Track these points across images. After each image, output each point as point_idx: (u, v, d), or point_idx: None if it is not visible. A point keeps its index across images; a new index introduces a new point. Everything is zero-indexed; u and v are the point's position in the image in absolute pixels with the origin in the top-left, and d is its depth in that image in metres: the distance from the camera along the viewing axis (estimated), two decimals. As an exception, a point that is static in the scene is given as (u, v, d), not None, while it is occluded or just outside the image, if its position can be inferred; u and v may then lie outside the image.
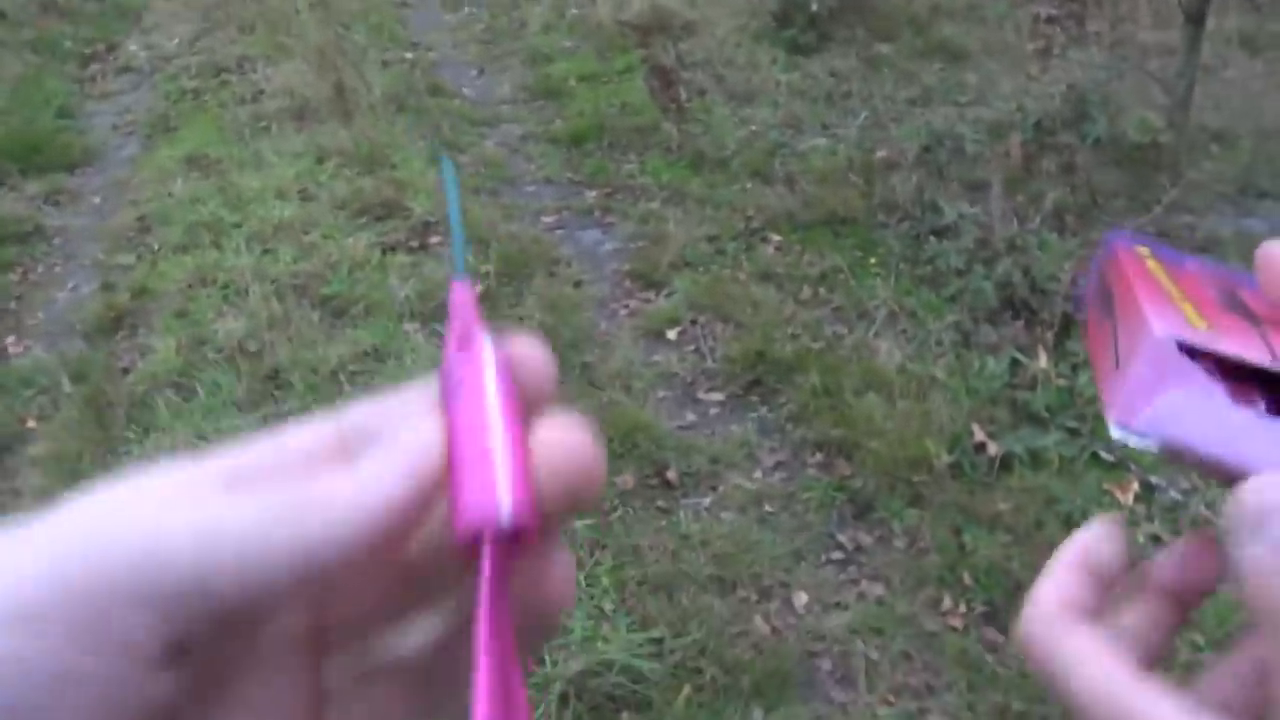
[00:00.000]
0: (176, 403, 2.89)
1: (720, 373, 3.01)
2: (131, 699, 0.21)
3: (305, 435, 0.27)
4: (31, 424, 2.98)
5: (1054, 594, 0.31)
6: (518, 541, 0.25)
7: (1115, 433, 0.32)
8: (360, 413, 0.27)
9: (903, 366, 2.89)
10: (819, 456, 2.68)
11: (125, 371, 3.15)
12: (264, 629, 0.26)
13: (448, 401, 0.28)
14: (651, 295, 3.48)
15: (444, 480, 0.25)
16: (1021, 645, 0.31)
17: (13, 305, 3.74)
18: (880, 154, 4.22)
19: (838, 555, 2.38)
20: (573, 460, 0.25)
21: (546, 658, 1.97)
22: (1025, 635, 0.31)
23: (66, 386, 3.08)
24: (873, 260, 3.51)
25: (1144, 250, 0.41)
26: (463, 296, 0.30)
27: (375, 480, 0.24)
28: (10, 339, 3.51)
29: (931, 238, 3.50)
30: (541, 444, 0.25)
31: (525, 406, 0.27)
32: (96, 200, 4.62)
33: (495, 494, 0.24)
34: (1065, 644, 0.29)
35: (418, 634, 0.28)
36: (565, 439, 0.25)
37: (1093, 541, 0.32)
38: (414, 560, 0.27)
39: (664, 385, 2.98)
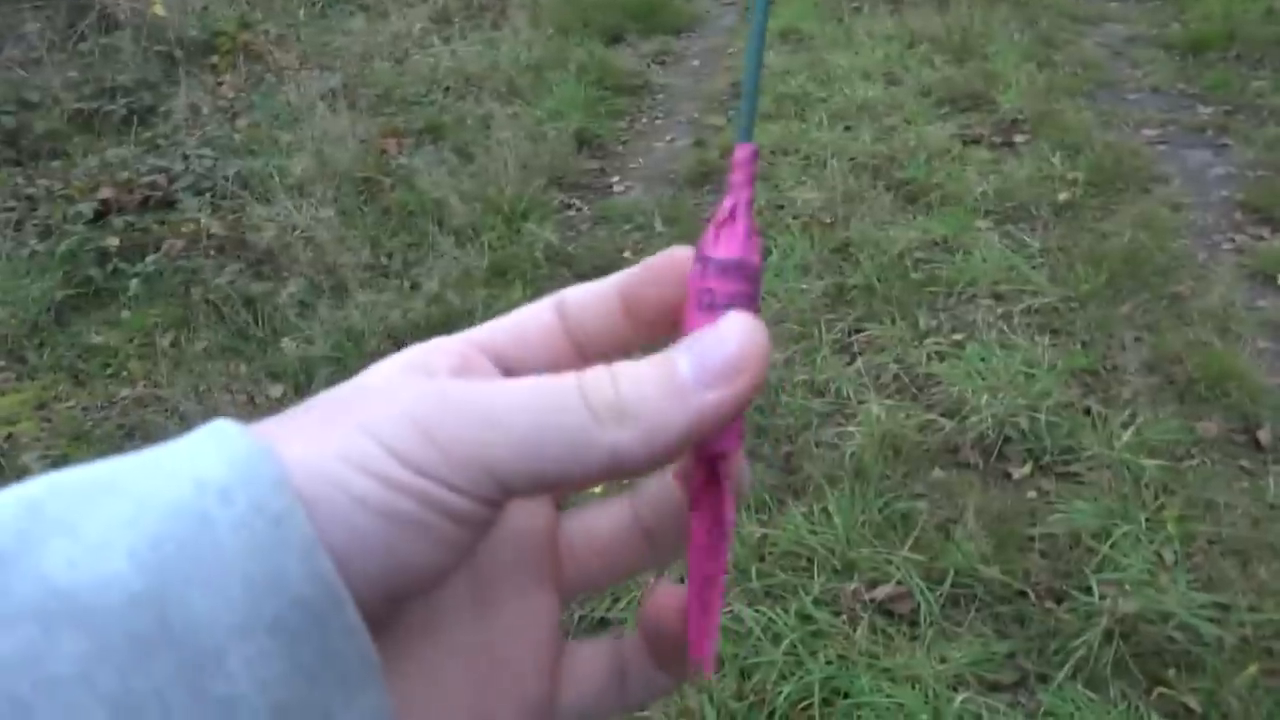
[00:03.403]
0: (752, 258, 3.08)
1: None
2: (480, 525, 0.25)
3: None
4: (628, 254, 3.35)
5: None
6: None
7: None
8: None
9: None
10: None
11: (710, 221, 3.41)
12: None
13: (697, 288, 0.28)
14: (1266, 233, 3.04)
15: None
16: None
17: (620, 149, 4.20)
18: None
19: None
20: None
21: (1094, 588, 1.87)
22: None
23: (659, 226, 3.42)
24: None
25: None
26: (743, 161, 0.29)
27: (697, 398, 0.25)
28: (615, 178, 3.95)
29: None
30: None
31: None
32: (696, 63, 4.99)
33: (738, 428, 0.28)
34: None
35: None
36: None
37: None
38: None
39: (1268, 335, 2.61)
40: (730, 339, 0.26)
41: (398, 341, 2.69)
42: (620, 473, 0.25)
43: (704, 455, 0.28)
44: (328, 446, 0.23)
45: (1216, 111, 3.78)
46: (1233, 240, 3.01)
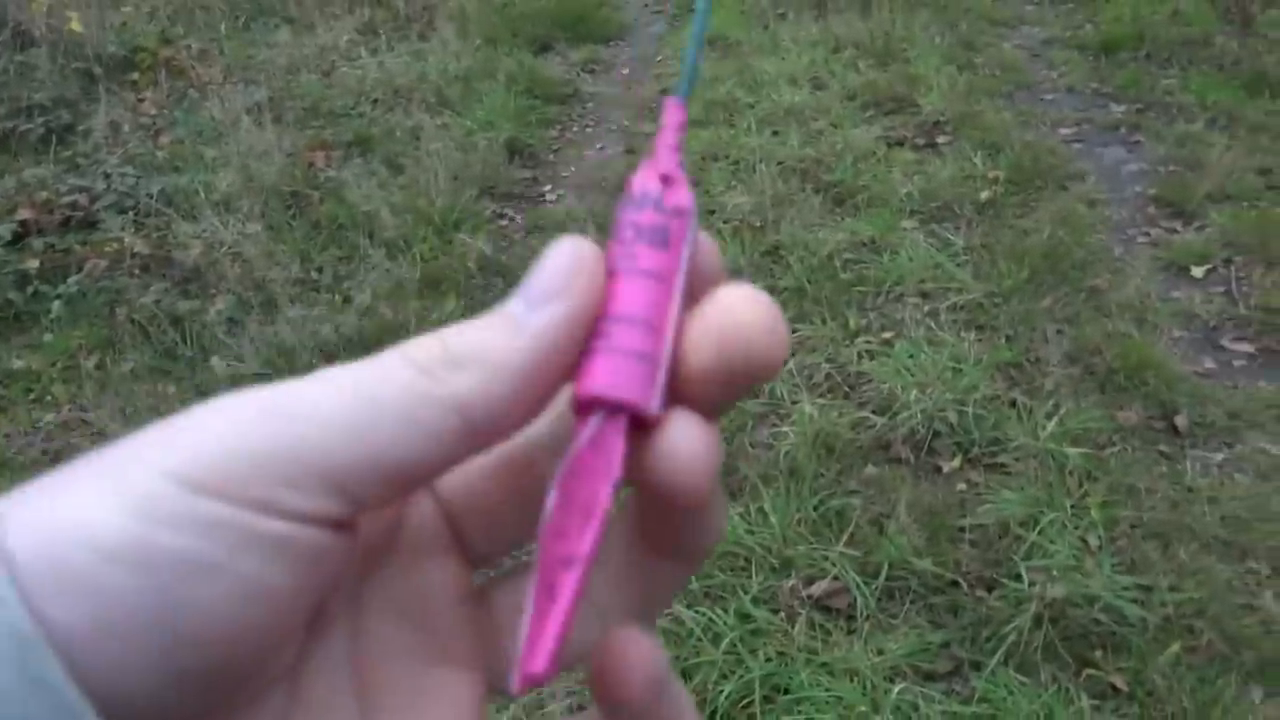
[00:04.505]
0: (685, 263, 3.10)
1: (1254, 322, 2.67)
2: (307, 560, 0.20)
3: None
4: (561, 263, 3.36)
5: None
6: (635, 424, 0.23)
7: None
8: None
9: None
10: (1370, 436, 2.30)
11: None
12: (411, 513, 0.26)
13: (615, 245, 0.25)
14: (1178, 226, 3.15)
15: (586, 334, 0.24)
16: None
17: (551, 158, 4.21)
18: None
19: (1379, 550, 2.05)
20: (746, 332, 0.23)
21: (1024, 575, 1.92)
22: None
23: (592, 234, 3.43)
24: None
25: None
26: (674, 119, 0.26)
27: (528, 322, 0.23)
28: (548, 187, 3.96)
29: None
30: (716, 311, 0.23)
31: (694, 280, 0.24)
32: (625, 71, 5.01)
33: (630, 370, 0.23)
34: None
35: None
36: (744, 308, 0.23)
37: None
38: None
39: (1182, 325, 2.70)
40: (553, 256, 0.24)
41: (330, 356, 2.67)
42: (474, 433, 0.22)
43: (582, 403, 0.24)
44: (86, 495, 0.19)
45: (1129, 110, 3.90)
46: (1147, 234, 3.12)
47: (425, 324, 2.84)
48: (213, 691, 0.20)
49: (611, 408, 0.23)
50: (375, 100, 4.40)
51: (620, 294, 0.24)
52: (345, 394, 0.21)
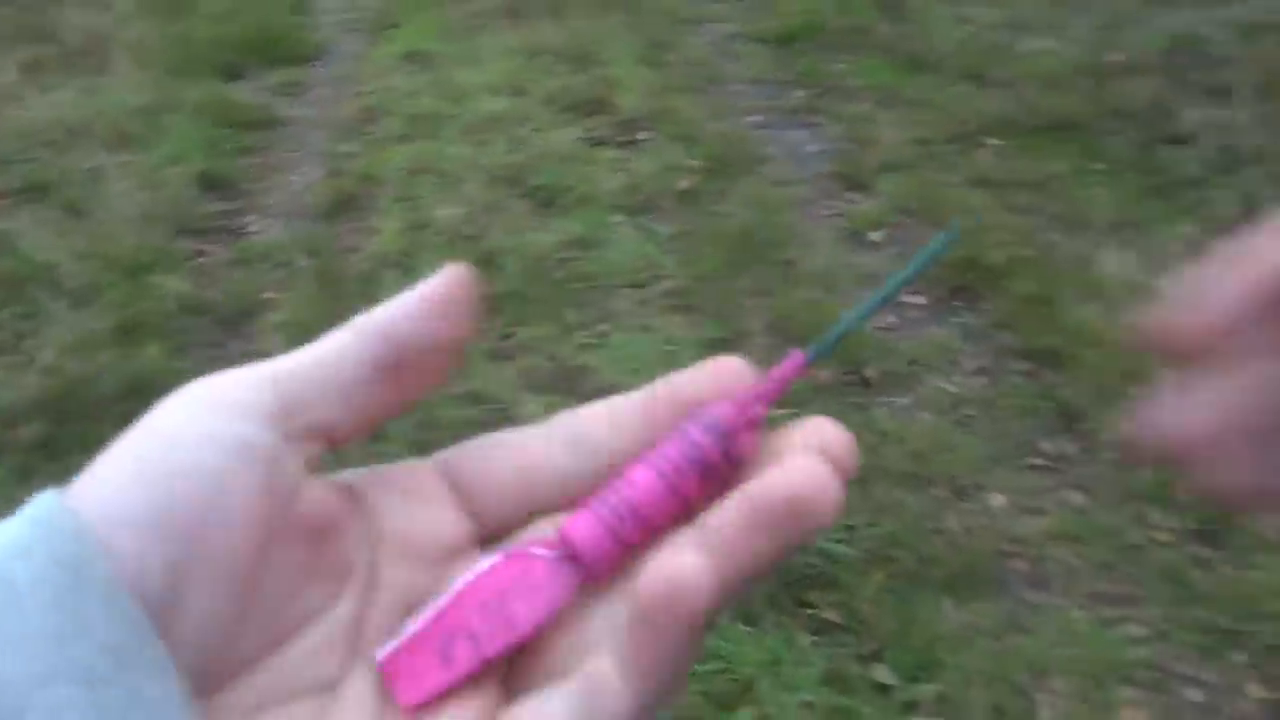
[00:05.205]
0: (400, 279, 3.07)
1: (924, 276, 2.95)
2: (268, 462, 0.26)
3: None
4: (270, 295, 3.23)
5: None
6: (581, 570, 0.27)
7: None
8: None
9: (1126, 278, 2.75)
10: (1025, 364, 2.61)
11: (352, 250, 3.36)
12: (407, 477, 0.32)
13: (676, 432, 0.29)
14: (856, 197, 3.43)
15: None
16: None
17: (252, 188, 4.04)
18: (1113, 57, 3.95)
19: (1038, 462, 2.32)
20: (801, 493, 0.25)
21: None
22: None
23: (300, 262, 3.33)
24: (1098, 168, 3.32)
25: None
26: (790, 373, 0.30)
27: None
28: (251, 218, 3.80)
29: (1165, 146, 3.27)
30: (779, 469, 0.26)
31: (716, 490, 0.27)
32: (325, 91, 4.87)
33: (592, 529, 0.27)
34: None
35: None
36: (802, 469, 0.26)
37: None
38: None
39: (865, 286, 2.95)
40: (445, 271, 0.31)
41: (9, 423, 2.45)
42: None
43: (561, 536, 0.27)
44: (118, 463, 0.24)
45: (808, 95, 4.20)
46: (829, 207, 3.37)
47: (122, 375, 2.66)
48: (213, 595, 0.24)
49: (575, 555, 0.27)
50: (49, 142, 4.07)
51: (640, 480, 0.27)
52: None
